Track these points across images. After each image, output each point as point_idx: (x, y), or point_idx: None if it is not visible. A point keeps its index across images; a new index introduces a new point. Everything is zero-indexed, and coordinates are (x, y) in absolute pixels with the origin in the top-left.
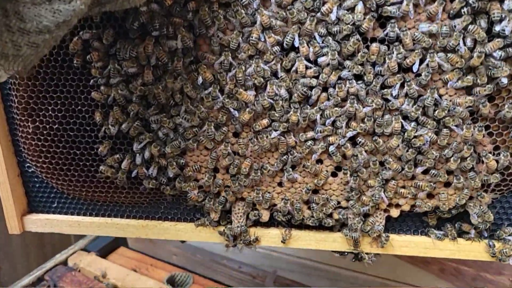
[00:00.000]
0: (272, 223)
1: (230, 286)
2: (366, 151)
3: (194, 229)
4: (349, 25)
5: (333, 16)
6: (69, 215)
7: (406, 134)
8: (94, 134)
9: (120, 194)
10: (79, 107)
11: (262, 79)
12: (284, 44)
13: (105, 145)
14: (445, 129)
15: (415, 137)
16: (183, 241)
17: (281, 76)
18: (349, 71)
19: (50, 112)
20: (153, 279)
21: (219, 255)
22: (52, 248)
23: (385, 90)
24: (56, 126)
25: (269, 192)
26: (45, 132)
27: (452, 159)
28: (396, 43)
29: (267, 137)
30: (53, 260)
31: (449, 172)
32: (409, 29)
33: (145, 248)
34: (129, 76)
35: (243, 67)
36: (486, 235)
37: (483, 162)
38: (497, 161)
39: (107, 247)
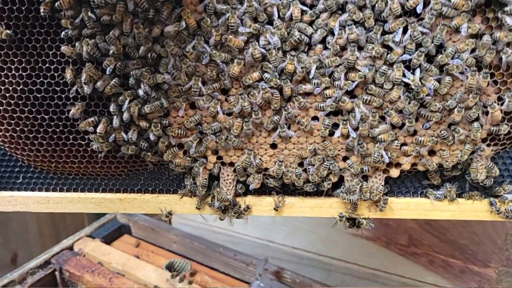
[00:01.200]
0: (263, 191)
1: (226, 273)
2: (365, 102)
3: (178, 201)
4: None
5: None
6: (36, 191)
7: (410, 81)
8: (64, 95)
9: (95, 165)
10: (47, 65)
11: (255, 26)
12: None
13: (77, 107)
14: (447, 77)
15: (417, 86)
16: (168, 215)
17: (276, 25)
18: (349, 15)
19: (13, 72)
20: (152, 264)
21: (216, 243)
22: (66, 236)
23: (387, 35)
24: (20, 87)
25: (260, 156)
26: (7, 95)
27: (456, 109)
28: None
29: (258, 92)
30: (59, 245)
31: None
32: None
33: (148, 236)
34: (105, 26)
35: (236, 12)
36: (489, 193)
37: (487, 113)
38: (501, 111)
39: (111, 235)
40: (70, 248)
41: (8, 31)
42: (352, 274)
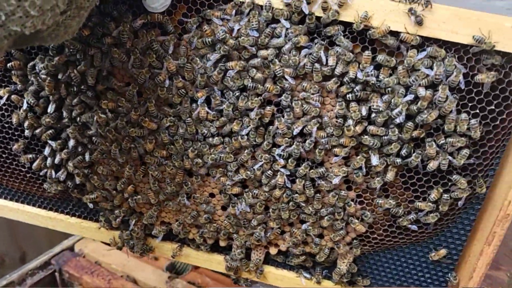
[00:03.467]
0: (168, 237)
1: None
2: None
3: (96, 229)
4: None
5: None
6: None
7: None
8: (11, 131)
9: (33, 186)
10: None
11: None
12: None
13: (19, 143)
14: (318, 194)
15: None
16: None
17: (187, 121)
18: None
19: None
20: (153, 266)
21: None
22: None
23: (274, 148)
24: None
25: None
26: None
27: (326, 218)
28: (288, 109)
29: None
30: (60, 246)
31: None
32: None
33: None
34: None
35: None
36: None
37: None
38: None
39: None
40: (71, 248)
41: None
42: None
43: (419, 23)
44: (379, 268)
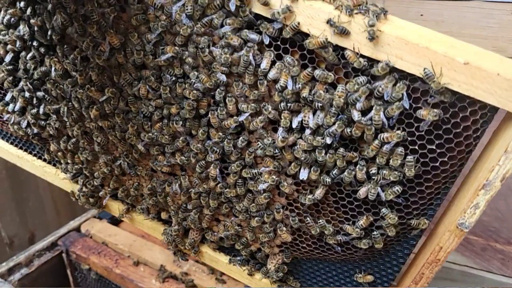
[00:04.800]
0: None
1: None
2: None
3: (57, 176)
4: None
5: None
6: None
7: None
8: None
9: (4, 124)
10: None
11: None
12: None
13: None
14: (250, 194)
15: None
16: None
17: (129, 98)
18: None
19: None
20: (160, 245)
21: None
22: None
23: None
24: None
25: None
26: None
27: (256, 219)
28: (221, 104)
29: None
30: (67, 227)
31: None
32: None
33: None
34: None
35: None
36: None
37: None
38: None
39: None
40: (77, 229)
41: None
42: None
43: (370, 39)
44: (310, 275)
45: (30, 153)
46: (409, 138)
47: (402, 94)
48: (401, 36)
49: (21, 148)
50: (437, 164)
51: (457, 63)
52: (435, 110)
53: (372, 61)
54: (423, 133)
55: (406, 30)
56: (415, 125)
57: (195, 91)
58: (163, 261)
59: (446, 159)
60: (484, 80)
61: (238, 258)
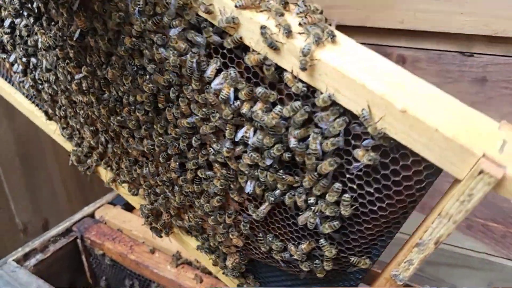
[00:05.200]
0: None
1: None
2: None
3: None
4: None
5: None
6: None
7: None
8: None
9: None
10: None
11: None
12: None
13: None
14: (206, 193)
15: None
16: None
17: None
18: None
19: None
20: None
21: None
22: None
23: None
24: None
25: None
26: None
27: (211, 218)
28: (176, 103)
29: None
30: (81, 213)
31: None
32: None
33: None
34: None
35: None
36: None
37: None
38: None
39: None
40: (92, 215)
41: None
42: None
43: (302, 69)
44: (270, 279)
45: (40, 109)
46: (347, 175)
47: (339, 131)
48: (338, 67)
49: (32, 103)
50: (375, 208)
51: (395, 109)
52: (372, 153)
53: (313, 88)
54: (361, 173)
55: (348, 60)
56: (353, 163)
57: (151, 85)
58: (178, 247)
59: (384, 205)
60: (422, 133)
61: (206, 246)
